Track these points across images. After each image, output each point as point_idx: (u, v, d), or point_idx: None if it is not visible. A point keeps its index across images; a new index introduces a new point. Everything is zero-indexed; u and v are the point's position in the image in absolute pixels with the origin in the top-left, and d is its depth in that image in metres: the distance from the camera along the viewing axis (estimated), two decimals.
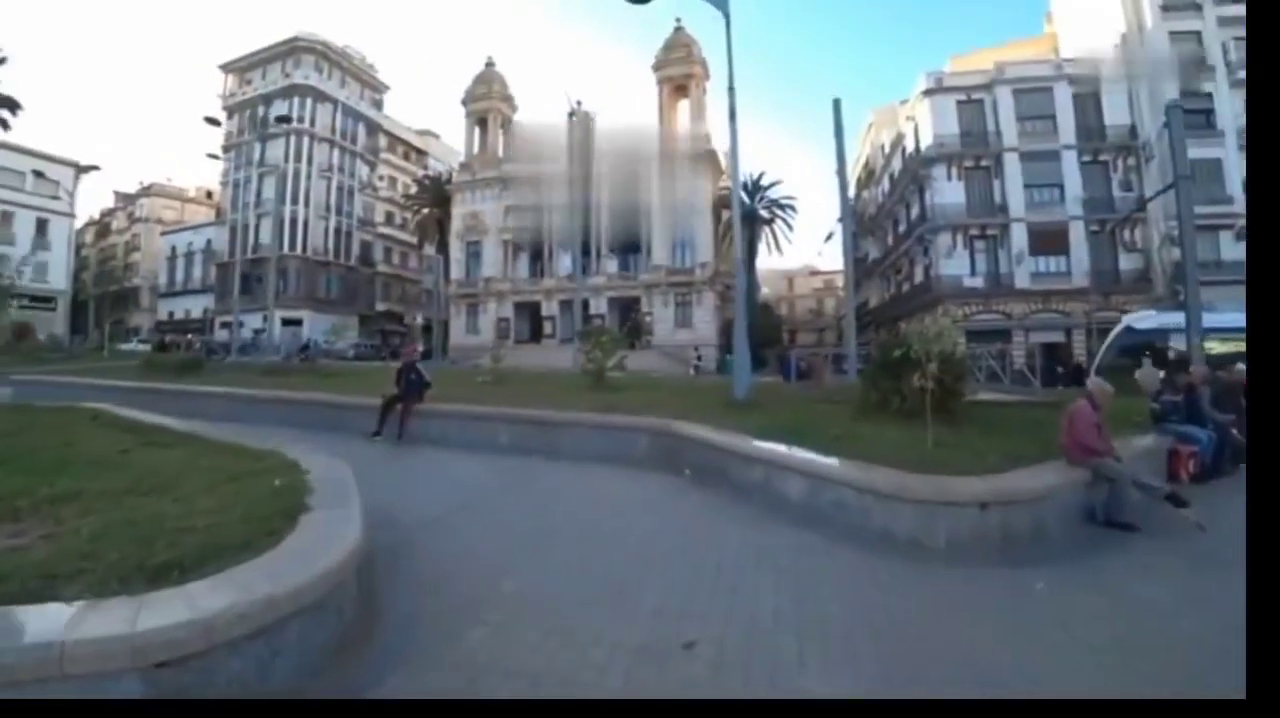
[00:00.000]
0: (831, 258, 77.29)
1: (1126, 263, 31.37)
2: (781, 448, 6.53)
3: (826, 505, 5.57)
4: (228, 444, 6.39)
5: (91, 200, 79.07)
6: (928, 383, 6.63)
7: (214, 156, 28.18)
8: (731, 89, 11.35)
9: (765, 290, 74.50)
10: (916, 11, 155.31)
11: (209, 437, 7.00)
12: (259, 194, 53.64)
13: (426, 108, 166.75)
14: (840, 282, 64.37)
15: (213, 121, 25.88)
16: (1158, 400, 8.64)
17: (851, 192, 58.50)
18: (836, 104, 17.24)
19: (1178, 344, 19.56)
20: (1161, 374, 10.33)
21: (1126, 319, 21.73)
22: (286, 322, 52.14)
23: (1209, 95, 30.75)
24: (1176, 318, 22.53)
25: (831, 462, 5.89)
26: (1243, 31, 31.14)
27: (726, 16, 11.60)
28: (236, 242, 54.59)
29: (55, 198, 49.71)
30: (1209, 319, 23.58)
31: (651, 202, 42.70)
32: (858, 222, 55.12)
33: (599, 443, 8.69)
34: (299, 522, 3.64)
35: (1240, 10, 30.97)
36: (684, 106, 45.84)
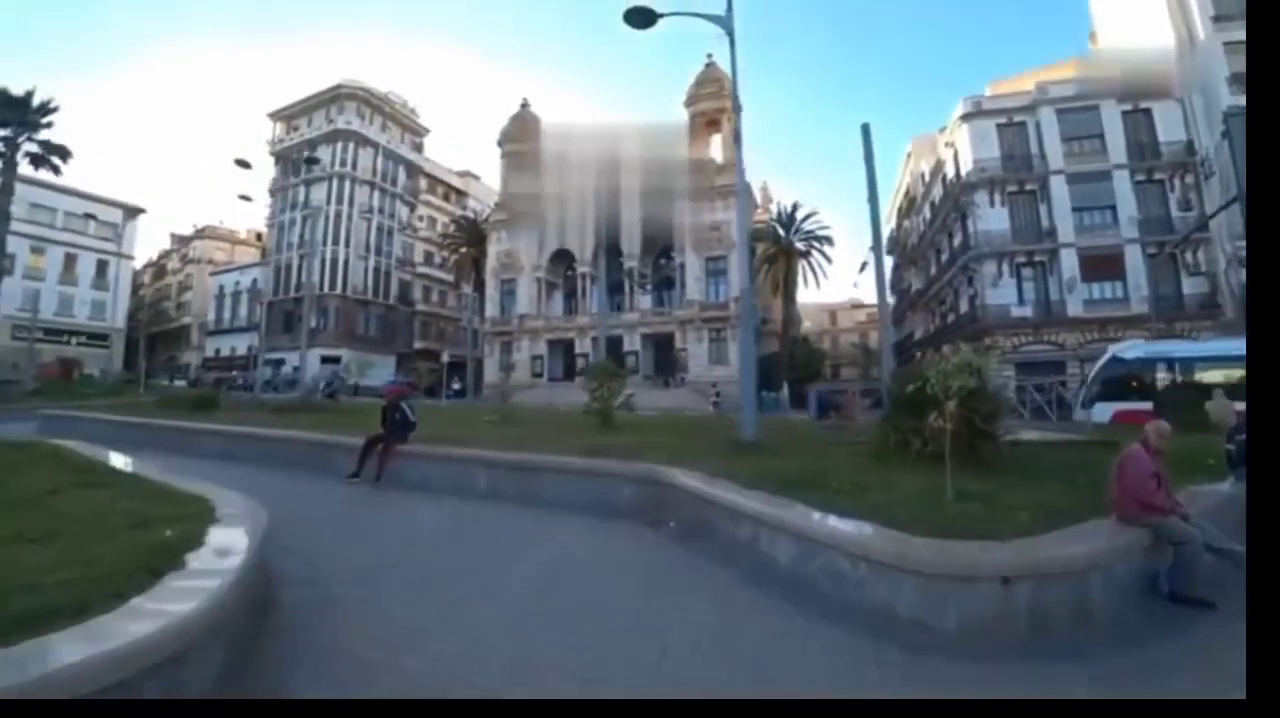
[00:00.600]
0: (871, 289, 75.41)
1: (1190, 287, 29.13)
2: (769, 502, 5.53)
3: (817, 573, 4.58)
4: (161, 487, 5.98)
5: (152, 242, 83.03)
6: (947, 424, 5.59)
7: (245, 198, 28.37)
8: (737, 109, 10.73)
9: (807, 324, 72.98)
10: (954, 39, 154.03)
11: (149, 478, 6.48)
12: (302, 235, 55.22)
13: (470, 149, 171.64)
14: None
15: (243, 164, 26.20)
16: (1233, 440, 7.31)
17: (892, 222, 57.71)
18: (865, 129, 16.49)
19: (1166, 376, 19.78)
20: (1238, 407, 8.80)
21: (1113, 349, 21.59)
22: (326, 359, 53.14)
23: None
24: (1164, 348, 21.91)
25: (823, 520, 4.89)
26: None
27: (730, 35, 11.03)
28: (280, 281, 56.16)
29: (110, 239, 52.14)
30: (1202, 348, 22.22)
31: (685, 236, 42.23)
32: (899, 252, 53.70)
33: (580, 490, 7.83)
34: (161, 582, 3.25)
35: None
36: (716, 140, 45.55)
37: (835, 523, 4.81)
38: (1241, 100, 26.92)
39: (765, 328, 42.15)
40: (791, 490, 5.77)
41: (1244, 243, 16.93)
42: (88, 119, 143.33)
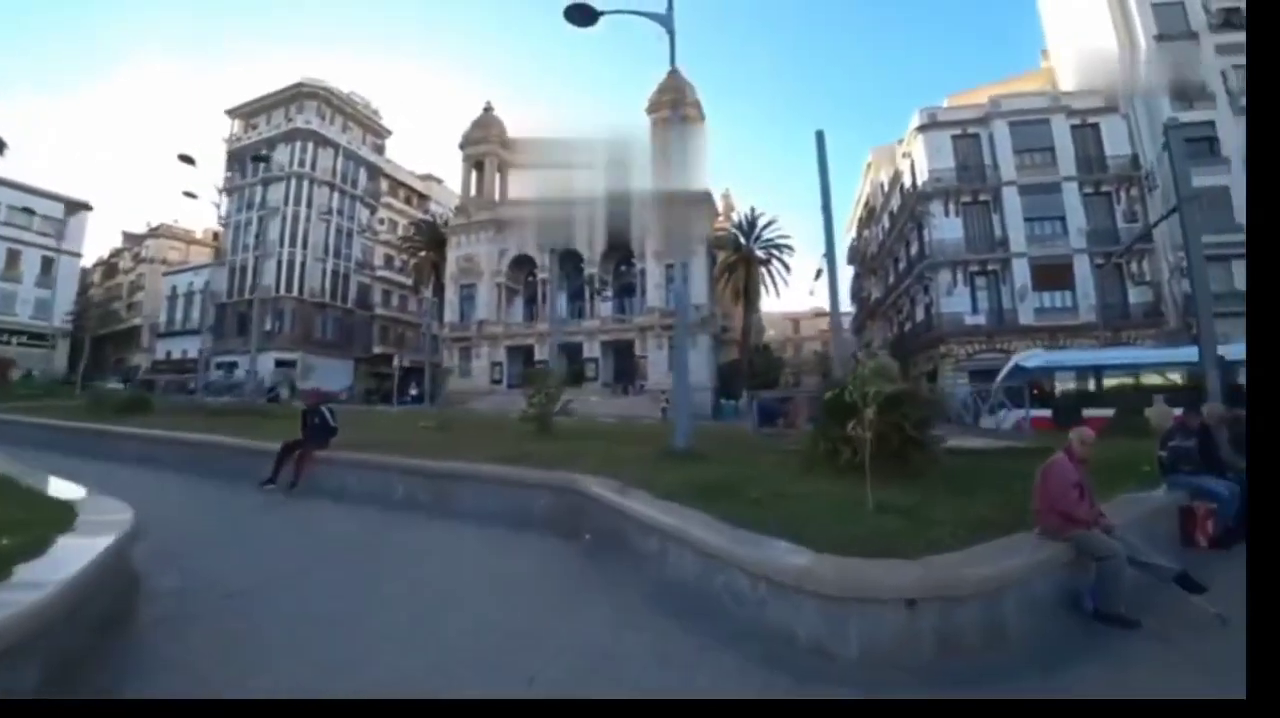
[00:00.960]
0: (814, 298, 75.98)
1: (1136, 296, 29.91)
2: (676, 514, 5.18)
3: (721, 591, 4.22)
4: (30, 492, 5.47)
5: (107, 242, 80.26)
6: (865, 432, 5.32)
7: (190, 195, 27.25)
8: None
9: (771, 333, 73.30)
10: (914, 53, 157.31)
11: (22, 482, 5.90)
12: (259, 236, 53.77)
13: (435, 152, 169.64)
14: (847, 323, 63.29)
15: (187, 160, 25.18)
16: (1166, 446, 7.19)
17: (853, 232, 58.33)
18: (819, 136, 16.41)
19: (1064, 382, 20.79)
20: (1176, 413, 8.71)
21: (1015, 358, 22.55)
22: (280, 363, 51.78)
23: (1211, 123, 29.73)
24: (1063, 356, 23.06)
25: (726, 535, 4.53)
26: (1242, 59, 30.40)
27: (671, 34, 10.80)
28: (234, 282, 54.63)
29: (54, 235, 50.13)
30: (1097, 356, 23.01)
31: (645, 243, 42.01)
32: (860, 262, 54.27)
33: (497, 499, 7.42)
34: None
35: (1239, 38, 30.31)
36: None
37: (738, 538, 4.44)
38: (1183, 115, 27.84)
39: (725, 336, 42.11)
40: (706, 501, 5.42)
41: (1184, 253, 17.18)
42: (45, 116, 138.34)
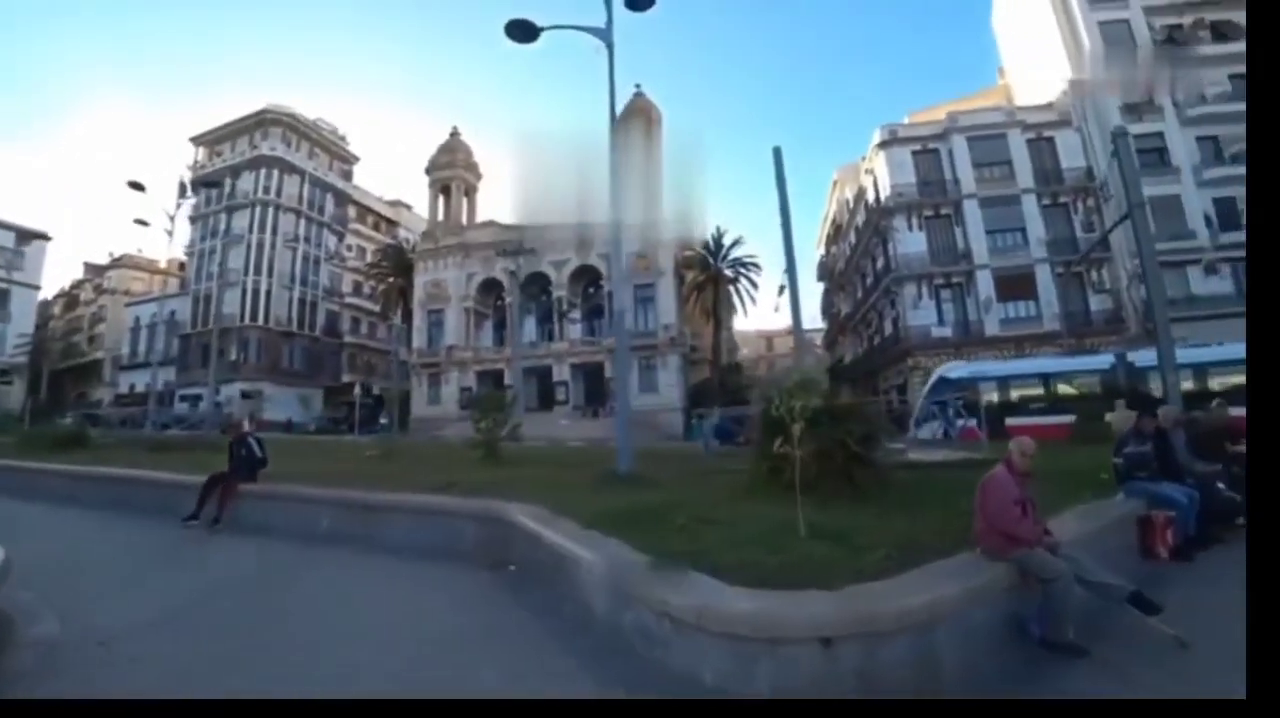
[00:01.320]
0: (805, 315, 76.21)
1: (1097, 304, 30.33)
2: (592, 543, 4.77)
3: (630, 629, 3.80)
4: None
5: (70, 274, 78.26)
6: (795, 449, 4.98)
7: (141, 223, 26.48)
8: (614, 120, 10.21)
9: (745, 351, 73.29)
10: (877, 73, 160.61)
11: None
12: (223, 265, 52.85)
13: (405, 178, 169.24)
14: (819, 339, 63.47)
15: (136, 187, 24.43)
16: (1121, 453, 6.93)
17: (822, 249, 58.74)
18: (777, 153, 16.38)
19: (988, 392, 21.10)
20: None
21: (939, 370, 23.00)
22: (246, 394, 50.62)
23: (1160, 134, 30.41)
24: (986, 367, 23.50)
25: (634, 567, 4.12)
26: (1189, 73, 31.28)
27: (610, 47, 10.60)
28: (199, 312, 53.50)
29: (6, 267, 48.66)
30: (1020, 366, 23.50)
31: (613, 263, 41.73)
32: (829, 278, 54.55)
33: (424, 531, 6.95)
34: None
35: (1184, 53, 31.18)
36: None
37: (646, 570, 4.04)
38: (1133, 127, 28.39)
39: (695, 355, 41.88)
40: (629, 529, 5.00)
41: (1139, 261, 17.31)
42: (7, 147, 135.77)
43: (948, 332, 31.41)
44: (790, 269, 17.40)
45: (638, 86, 46.73)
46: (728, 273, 44.31)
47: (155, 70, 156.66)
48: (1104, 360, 20.94)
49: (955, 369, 22.36)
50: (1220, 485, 7.09)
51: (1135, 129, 29.31)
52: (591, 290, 44.68)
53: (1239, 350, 19.14)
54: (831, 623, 3.11)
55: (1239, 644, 2.74)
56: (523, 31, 10.91)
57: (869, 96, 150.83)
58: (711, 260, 43.94)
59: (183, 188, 26.41)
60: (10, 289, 50.45)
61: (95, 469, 11.67)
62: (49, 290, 66.66)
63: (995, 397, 20.39)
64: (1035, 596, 3.92)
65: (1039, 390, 20.33)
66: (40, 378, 55.90)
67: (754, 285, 43.62)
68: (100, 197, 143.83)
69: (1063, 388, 20.50)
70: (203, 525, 8.41)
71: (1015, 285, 31.05)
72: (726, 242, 44.26)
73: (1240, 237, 28.30)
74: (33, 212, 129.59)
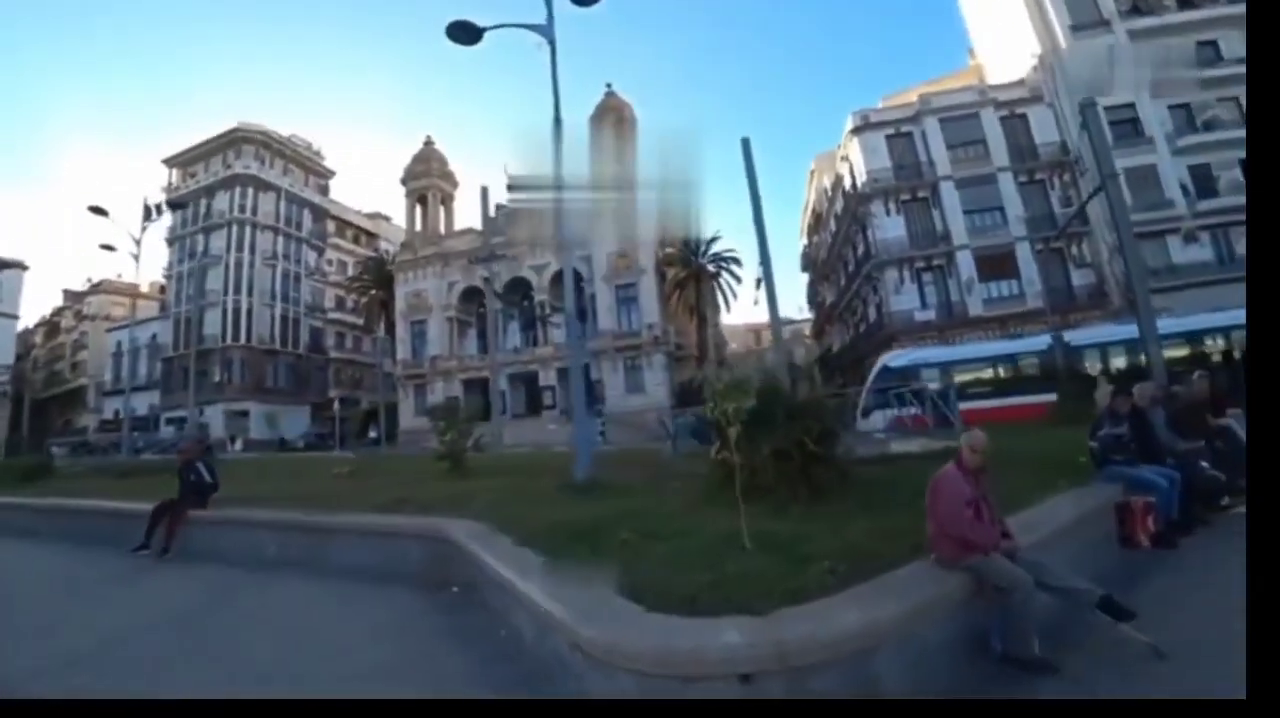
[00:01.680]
0: (788, 305, 76.00)
1: (1079, 279, 30.04)
2: (518, 563, 4.43)
3: (550, 659, 3.47)
4: None
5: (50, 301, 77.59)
6: (733, 454, 4.64)
7: (107, 248, 26.05)
8: (558, 120, 9.92)
9: (734, 346, 72.99)
10: (852, 59, 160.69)
11: None
12: (202, 285, 52.32)
13: (383, 190, 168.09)
14: (808, 329, 63.27)
15: (99, 211, 23.95)
16: (1095, 436, 6.60)
17: (804, 239, 58.50)
18: (745, 144, 16.17)
19: (930, 379, 20.98)
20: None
21: (882, 359, 22.85)
22: (232, 413, 50.12)
23: (1131, 105, 30.15)
24: (928, 353, 23.38)
25: (556, 590, 3.76)
26: (1157, 42, 31.06)
27: (551, 43, 10.29)
28: (180, 334, 52.89)
29: None
30: (961, 351, 23.39)
31: (595, 264, 41.46)
32: (813, 268, 54.32)
33: (371, 552, 6.67)
34: None
35: (1149, 22, 31.00)
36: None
37: (564, 594, 3.67)
38: (1106, 99, 28.17)
39: (680, 353, 41.54)
40: (568, 545, 4.70)
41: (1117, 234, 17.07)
42: None
43: (931, 315, 31.15)
44: (765, 261, 17.10)
45: (608, 85, 46.40)
46: (709, 268, 44.03)
47: (127, 93, 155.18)
48: (1041, 342, 21.09)
49: (897, 357, 22.47)
50: (1204, 464, 6.79)
51: (1106, 101, 29.09)
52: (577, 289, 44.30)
53: (1202, 321, 19.28)
54: (750, 656, 2.74)
55: (1227, 641, 2.71)
56: (465, 33, 10.61)
57: (845, 84, 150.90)
58: (692, 257, 43.64)
59: (148, 210, 25.80)
60: None
61: (50, 501, 11.46)
62: (30, 319, 66.27)
63: (938, 382, 20.31)
64: (995, 607, 3.59)
65: (982, 374, 20.38)
66: (22, 407, 55.13)
67: (736, 280, 43.41)
68: (77, 223, 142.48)
69: (1009, 371, 20.73)
70: (152, 554, 8.20)
71: (996, 265, 30.80)
72: (706, 237, 44.01)
73: (1217, 203, 28.31)
74: (7, 241, 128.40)
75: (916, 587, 3.51)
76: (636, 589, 3.54)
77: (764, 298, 15.78)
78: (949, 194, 32.01)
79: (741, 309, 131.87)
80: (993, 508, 3.87)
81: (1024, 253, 30.23)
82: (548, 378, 41.33)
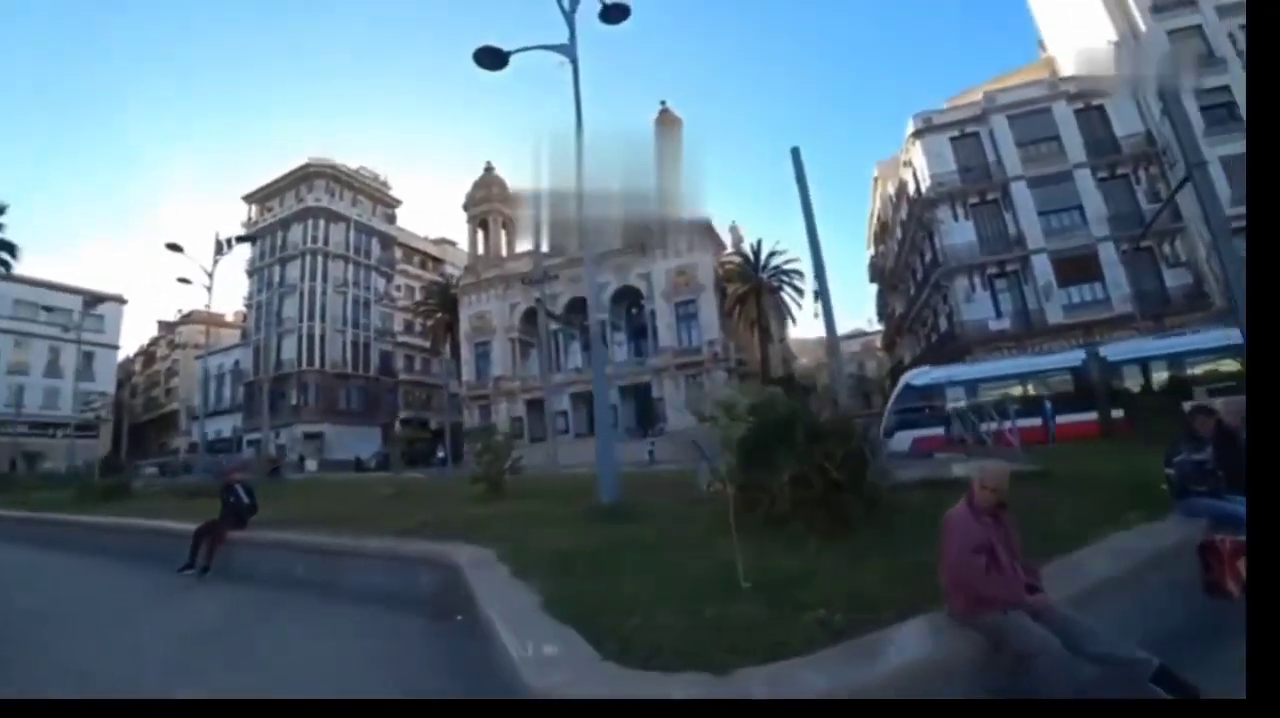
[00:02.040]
0: (849, 318, 73.80)
1: (1172, 279, 27.53)
2: (501, 598, 4.11)
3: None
4: None
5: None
6: (724, 485, 4.16)
7: (184, 281, 27.69)
8: (579, 136, 9.73)
9: (804, 361, 71.30)
10: (914, 61, 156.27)
11: None
12: (279, 313, 55.09)
13: (449, 217, 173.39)
14: (879, 341, 61.17)
15: (175, 248, 25.50)
16: (1173, 462, 5.70)
17: (870, 249, 56.72)
18: (795, 153, 15.63)
19: (956, 399, 19.59)
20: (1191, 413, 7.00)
21: (905, 377, 21.95)
22: (309, 435, 52.34)
23: (1226, 88, 27.64)
24: (953, 371, 21.70)
25: (521, 627, 3.39)
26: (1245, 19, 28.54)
27: (574, 63, 10.15)
28: (260, 360, 55.71)
29: (89, 329, 51.86)
30: (988, 368, 21.36)
31: (654, 281, 41.30)
32: (881, 278, 52.52)
33: (383, 576, 6.58)
34: None
35: None
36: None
37: (532, 633, 3.32)
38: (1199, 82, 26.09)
39: (743, 369, 40.72)
40: (557, 575, 4.43)
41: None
42: (84, 217, 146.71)
43: (1006, 324, 29.25)
44: (820, 273, 16.42)
45: (663, 103, 46.46)
46: (770, 282, 43.11)
47: (214, 136, 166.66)
48: (1075, 357, 20.02)
49: (920, 375, 21.48)
50: None
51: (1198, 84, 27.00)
52: (634, 311, 44.23)
53: (1214, 339, 17.57)
54: None
55: None
56: (492, 58, 10.57)
57: (909, 88, 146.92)
58: (752, 271, 42.87)
59: (219, 245, 27.26)
60: (94, 351, 53.54)
61: (112, 520, 12.02)
62: (129, 349, 71.27)
63: (964, 401, 19.13)
64: (1017, 672, 2.95)
65: (1012, 391, 19.12)
66: (121, 430, 59.07)
67: (798, 292, 42.27)
68: (167, 260, 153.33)
69: (1037, 389, 19.49)
70: (195, 574, 8.43)
71: (1077, 268, 28.64)
72: (765, 250, 43.18)
73: None
74: (109, 278, 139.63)
75: (918, 644, 2.98)
76: (601, 633, 3.13)
77: (821, 311, 15.17)
78: (1021, 195, 30.13)
79: (810, 323, 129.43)
80: (1016, 553, 3.24)
81: (1108, 254, 28.08)
82: (609, 396, 41.30)
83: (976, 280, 30.23)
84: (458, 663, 4.34)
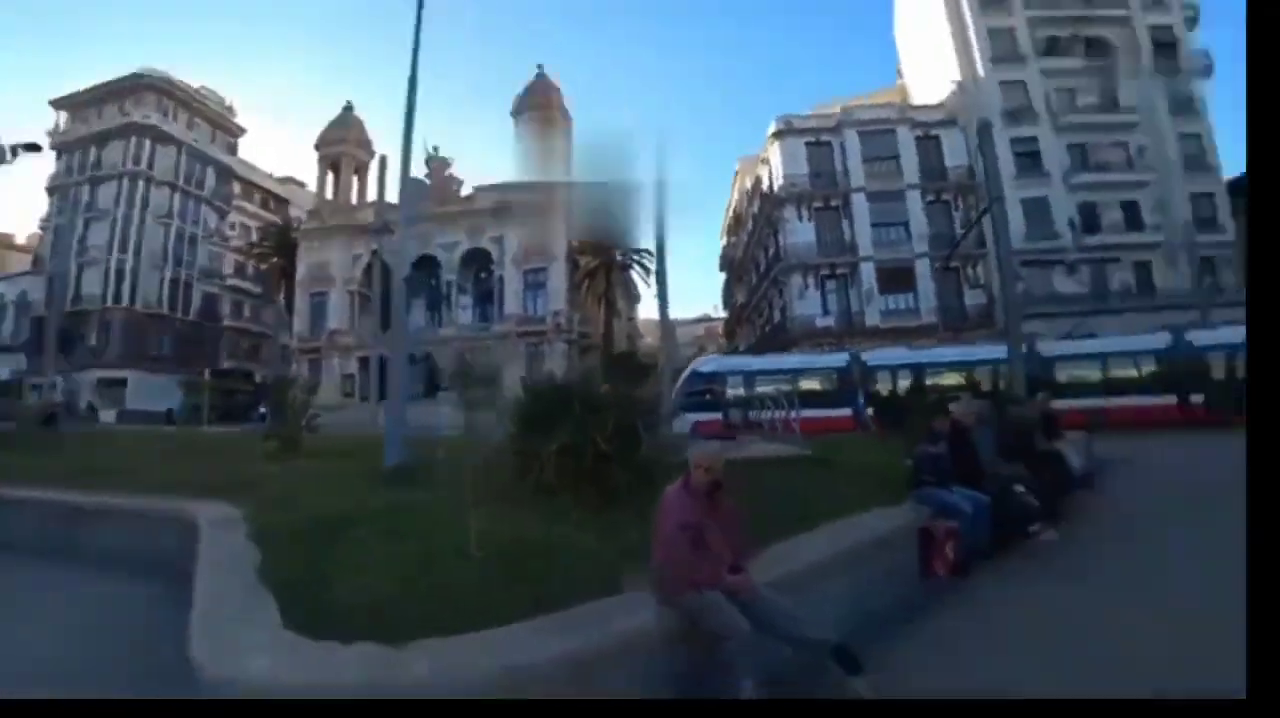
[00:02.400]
0: (699, 304, 76.91)
1: (970, 298, 31.42)
2: (210, 562, 3.88)
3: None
4: None
5: None
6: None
7: None
8: (411, 108, 9.23)
9: (648, 340, 72.99)
10: (785, 66, 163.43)
11: None
12: (84, 241, 48.19)
13: (301, 156, 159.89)
14: (721, 328, 63.82)
15: (33, 148, 21.37)
16: (914, 454, 6.44)
17: (723, 239, 59.03)
18: (656, 134, 15.93)
19: (735, 388, 21.77)
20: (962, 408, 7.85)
21: (692, 364, 23.92)
22: (107, 382, 46.43)
23: (1034, 139, 31.69)
24: (734, 362, 24.72)
25: (216, 595, 3.20)
26: (1064, 83, 32.79)
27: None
28: (54, 293, 48.49)
29: None
30: (766, 362, 24.44)
31: (506, 246, 40.40)
32: (729, 268, 54.82)
33: (121, 536, 6.07)
34: None
35: (1060, 64, 32.71)
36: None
37: (223, 602, 3.14)
38: (1012, 131, 29.71)
39: (586, 342, 40.90)
40: (300, 541, 4.21)
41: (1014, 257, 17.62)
42: None
43: (830, 322, 31.94)
44: (660, 255, 16.85)
45: (539, 67, 45.33)
46: (621, 260, 43.20)
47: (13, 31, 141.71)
48: (841, 359, 22.63)
49: (706, 363, 23.42)
50: (1019, 488, 6.71)
51: (1013, 132, 30.76)
52: (483, 275, 42.94)
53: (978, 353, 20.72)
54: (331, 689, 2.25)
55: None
56: None
57: (781, 90, 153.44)
58: (606, 246, 42.85)
59: (1, 151, 23.21)
60: None
61: None
62: None
63: (741, 390, 21.07)
64: (705, 652, 3.12)
65: (785, 387, 19.88)
66: None
67: (648, 272, 42.90)
68: None
69: (804, 384, 21.39)
70: None
71: (897, 278, 31.92)
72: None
73: (1100, 239, 30.17)
74: None
75: (624, 619, 3.08)
76: (298, 601, 3.02)
77: (657, 291, 15.48)
78: (860, 205, 32.88)
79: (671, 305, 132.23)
80: (734, 534, 3.43)
81: (923, 269, 31.38)
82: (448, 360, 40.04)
83: (810, 279, 32.66)
84: (164, 636, 4.04)
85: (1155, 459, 11.72)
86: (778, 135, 34.86)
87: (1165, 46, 33.24)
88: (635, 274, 44.36)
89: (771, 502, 5.21)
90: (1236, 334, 16.46)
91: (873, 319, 31.42)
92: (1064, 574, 5.40)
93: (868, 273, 31.94)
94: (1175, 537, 6.44)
